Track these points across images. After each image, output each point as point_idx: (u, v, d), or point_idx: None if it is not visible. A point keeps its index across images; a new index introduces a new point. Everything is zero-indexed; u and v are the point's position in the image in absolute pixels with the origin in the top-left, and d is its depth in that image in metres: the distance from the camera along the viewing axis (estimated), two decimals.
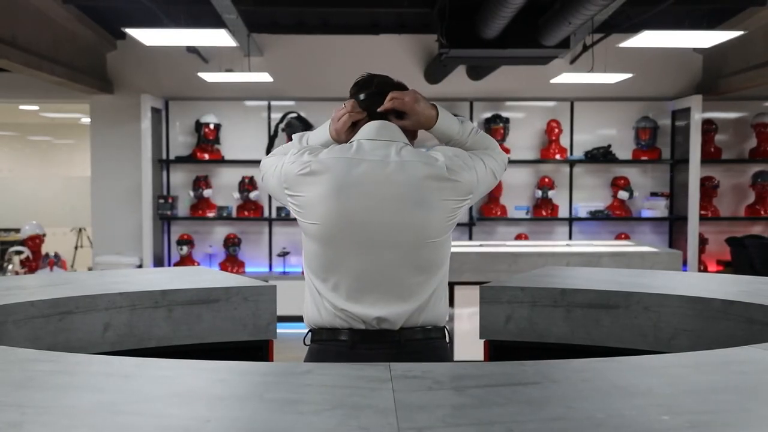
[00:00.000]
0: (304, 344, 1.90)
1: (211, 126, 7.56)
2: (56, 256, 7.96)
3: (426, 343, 1.84)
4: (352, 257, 1.81)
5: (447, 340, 1.92)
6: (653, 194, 7.75)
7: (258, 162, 1.99)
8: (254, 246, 7.85)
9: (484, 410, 1.22)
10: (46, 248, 8.21)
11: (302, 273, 1.96)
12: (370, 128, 1.90)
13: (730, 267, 7.43)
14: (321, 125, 2.04)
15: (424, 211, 1.80)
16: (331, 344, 1.82)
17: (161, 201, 7.60)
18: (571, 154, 7.71)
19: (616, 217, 7.68)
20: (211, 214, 7.67)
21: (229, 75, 6.78)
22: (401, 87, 1.99)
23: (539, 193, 7.64)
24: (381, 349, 1.79)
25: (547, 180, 7.63)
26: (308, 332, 1.91)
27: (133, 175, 7.52)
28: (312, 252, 1.87)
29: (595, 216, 7.66)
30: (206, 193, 7.64)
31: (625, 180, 7.66)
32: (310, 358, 1.85)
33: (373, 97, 1.94)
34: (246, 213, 7.69)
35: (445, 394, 1.31)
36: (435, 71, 7.20)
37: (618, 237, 7.64)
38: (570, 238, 7.76)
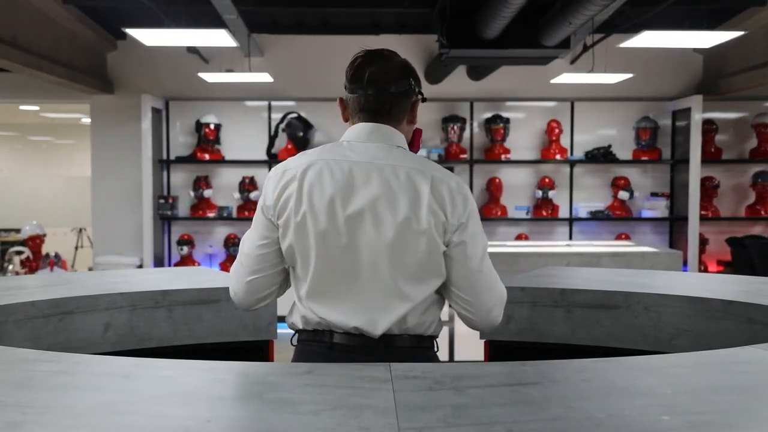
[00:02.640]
0: (291, 344, 1.88)
1: (212, 126, 7.56)
2: (56, 256, 7.96)
3: (407, 351, 1.74)
4: (329, 264, 1.72)
5: (436, 349, 1.82)
6: (653, 194, 7.75)
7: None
8: None
9: (484, 410, 1.22)
10: (46, 248, 8.21)
11: None
12: (360, 130, 1.79)
13: (730, 267, 7.43)
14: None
15: (406, 220, 1.68)
16: (314, 345, 1.77)
17: (161, 201, 7.60)
18: (572, 154, 7.71)
19: (617, 217, 7.68)
20: (211, 215, 7.67)
21: (230, 75, 6.79)
22: (398, 74, 1.80)
23: (539, 193, 7.64)
24: (362, 354, 1.71)
25: (547, 180, 7.63)
26: (295, 333, 1.88)
27: (134, 175, 7.52)
28: (290, 257, 1.78)
29: (596, 216, 7.66)
30: (206, 193, 7.64)
31: (626, 180, 7.66)
32: (295, 359, 1.81)
33: (361, 95, 1.78)
34: (246, 213, 7.68)
35: (445, 394, 1.31)
36: (435, 71, 7.20)
37: (618, 237, 7.63)
38: (570, 238, 7.76)
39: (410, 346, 1.75)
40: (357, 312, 1.72)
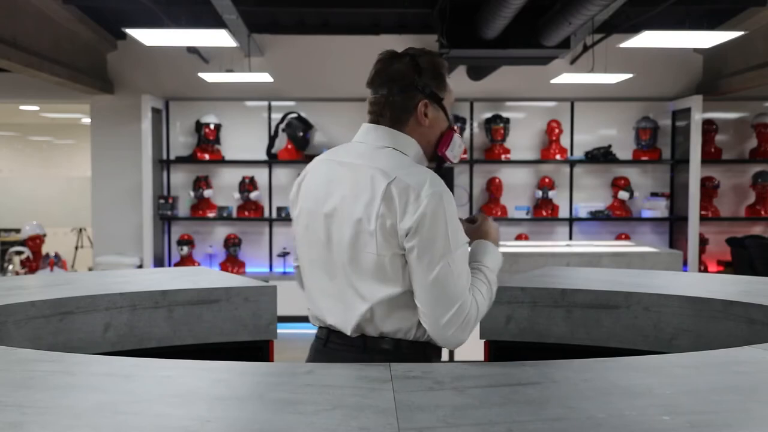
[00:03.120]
0: None
1: (212, 126, 7.56)
2: (57, 256, 7.96)
3: (386, 352, 1.72)
4: (314, 260, 1.80)
5: (418, 352, 1.74)
6: (653, 194, 7.75)
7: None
8: (254, 246, 7.85)
9: (484, 410, 1.22)
10: (46, 248, 8.21)
11: None
12: (360, 130, 1.83)
13: (730, 267, 7.43)
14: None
15: (359, 220, 1.68)
16: (314, 341, 1.85)
17: (161, 201, 7.60)
18: (572, 154, 7.71)
19: (617, 217, 7.68)
20: (211, 215, 7.67)
21: (230, 75, 6.78)
22: (397, 75, 1.78)
23: (539, 193, 7.64)
24: (348, 352, 1.74)
25: (547, 180, 7.63)
26: None
27: (134, 175, 7.52)
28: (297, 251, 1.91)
29: (596, 216, 7.66)
30: (206, 193, 7.64)
31: (626, 180, 7.66)
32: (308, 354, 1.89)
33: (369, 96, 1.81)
34: (246, 213, 7.69)
35: (445, 394, 1.31)
36: None
37: (618, 237, 7.63)
38: (570, 238, 7.76)
39: (407, 353, 1.71)
40: (333, 309, 1.77)
